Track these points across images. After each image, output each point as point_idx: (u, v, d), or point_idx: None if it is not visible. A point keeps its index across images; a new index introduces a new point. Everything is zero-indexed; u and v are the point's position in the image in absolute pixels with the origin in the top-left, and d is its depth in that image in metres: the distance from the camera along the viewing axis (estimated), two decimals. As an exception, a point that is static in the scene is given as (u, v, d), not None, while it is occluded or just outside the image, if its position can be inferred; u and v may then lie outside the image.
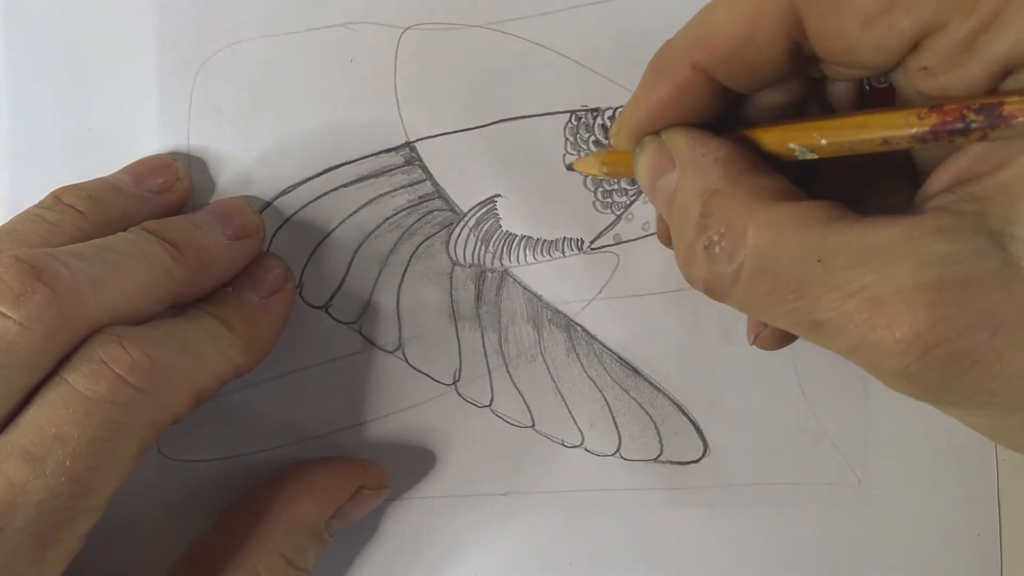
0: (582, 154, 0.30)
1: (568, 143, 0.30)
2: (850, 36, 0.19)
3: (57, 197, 0.26)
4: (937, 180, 0.20)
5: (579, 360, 0.30)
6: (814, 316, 0.19)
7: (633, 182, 0.30)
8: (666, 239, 0.27)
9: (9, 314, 0.21)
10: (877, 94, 0.24)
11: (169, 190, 0.28)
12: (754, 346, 0.26)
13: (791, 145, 0.21)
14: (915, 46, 0.19)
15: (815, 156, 0.21)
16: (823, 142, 0.20)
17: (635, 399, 0.30)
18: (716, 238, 0.20)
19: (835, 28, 0.19)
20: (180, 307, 0.27)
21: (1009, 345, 0.17)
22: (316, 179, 0.30)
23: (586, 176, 0.30)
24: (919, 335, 0.18)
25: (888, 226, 0.18)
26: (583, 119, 0.30)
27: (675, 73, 0.21)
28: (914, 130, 0.19)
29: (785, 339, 0.26)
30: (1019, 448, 0.20)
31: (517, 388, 0.30)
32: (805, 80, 0.22)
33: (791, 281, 0.19)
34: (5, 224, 0.26)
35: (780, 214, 0.19)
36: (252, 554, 0.26)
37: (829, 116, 0.21)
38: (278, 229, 0.30)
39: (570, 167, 0.30)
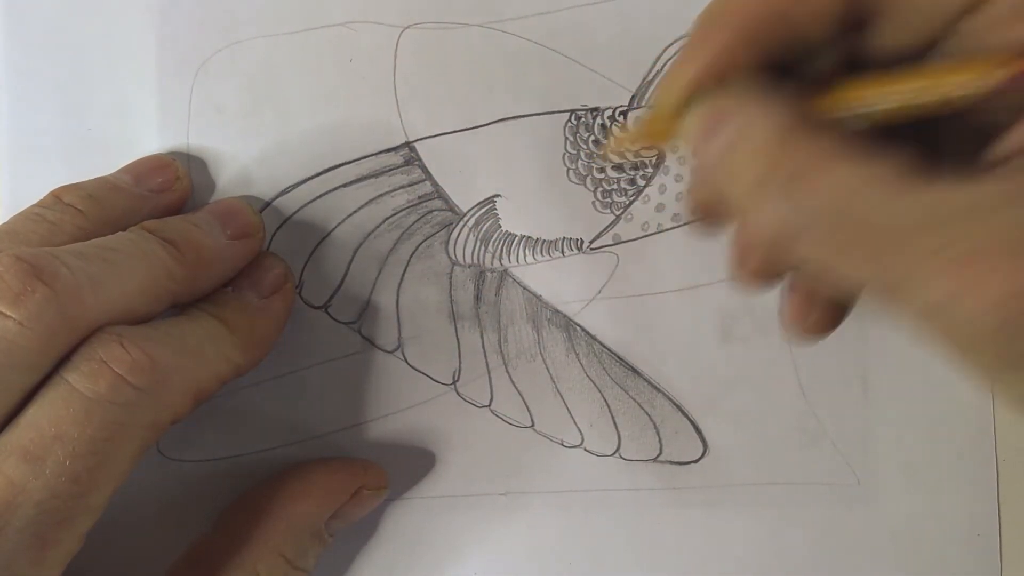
0: (582, 154, 0.30)
1: (568, 142, 0.30)
2: None
3: (57, 196, 0.26)
4: (1007, 144, 0.19)
5: (578, 360, 0.30)
6: (890, 276, 0.18)
7: (632, 182, 0.30)
8: (703, 207, 0.25)
9: (9, 313, 0.21)
10: None
11: (169, 189, 0.28)
12: (802, 334, 0.25)
13: (859, 105, 0.20)
14: (972, 7, 0.18)
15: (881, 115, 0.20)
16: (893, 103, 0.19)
17: (635, 399, 0.30)
18: (792, 181, 0.19)
19: None
20: (180, 307, 0.27)
21: None
22: (316, 179, 0.30)
23: (586, 176, 0.30)
24: (1013, 294, 0.17)
25: (965, 188, 0.18)
26: (583, 119, 0.30)
27: (725, 28, 0.21)
28: (992, 82, 0.18)
29: (835, 321, 0.24)
30: None
31: (516, 388, 0.30)
32: (844, 59, 0.22)
33: (870, 235, 0.18)
34: (5, 223, 0.26)
35: (857, 168, 0.18)
36: (252, 554, 0.26)
37: (891, 74, 0.20)
38: (278, 229, 0.30)
39: (603, 154, 0.29)
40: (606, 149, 0.29)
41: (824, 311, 0.24)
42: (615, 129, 0.27)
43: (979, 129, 0.22)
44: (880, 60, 0.22)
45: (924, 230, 0.18)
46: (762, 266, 0.25)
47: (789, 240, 0.20)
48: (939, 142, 0.23)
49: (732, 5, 0.21)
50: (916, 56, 0.21)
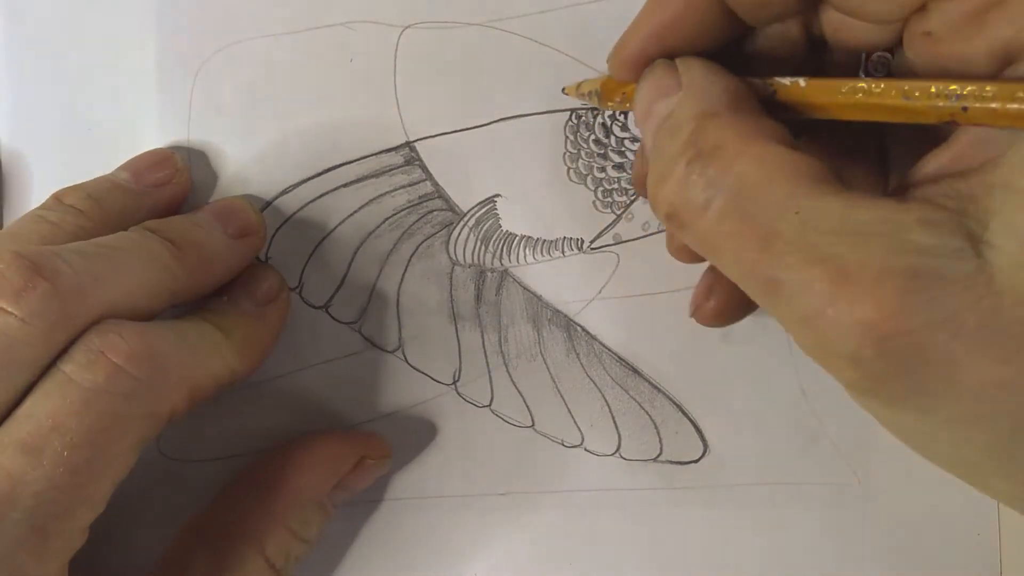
0: (583, 154, 0.30)
1: (568, 142, 0.30)
2: None
3: (58, 198, 0.27)
4: (923, 169, 0.19)
5: (579, 360, 0.30)
6: (773, 272, 0.18)
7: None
8: (640, 180, 0.25)
9: (10, 309, 0.21)
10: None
11: (169, 183, 0.28)
12: (694, 319, 0.25)
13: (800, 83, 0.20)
14: (923, 6, 0.18)
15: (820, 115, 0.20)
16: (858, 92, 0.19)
17: (635, 399, 0.30)
18: (702, 158, 0.19)
19: None
20: (178, 312, 0.27)
21: (965, 352, 0.17)
22: (316, 179, 0.30)
23: (586, 175, 0.30)
24: (881, 320, 0.17)
25: (873, 204, 0.18)
26: (583, 118, 0.30)
27: None
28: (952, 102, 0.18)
29: (729, 314, 0.25)
30: (940, 462, 0.19)
31: (517, 388, 0.30)
32: (805, 39, 0.22)
33: (761, 227, 0.18)
34: (8, 226, 0.26)
35: (774, 154, 0.19)
36: (256, 526, 0.26)
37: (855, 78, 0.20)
38: (278, 229, 0.30)
39: (564, 90, 0.29)
40: (567, 90, 0.29)
41: (722, 301, 0.24)
42: (572, 85, 0.27)
43: (896, 157, 0.22)
44: (838, 66, 0.22)
45: (818, 233, 0.18)
46: (734, 307, 0.25)
47: (679, 224, 0.20)
48: (852, 162, 0.23)
49: None
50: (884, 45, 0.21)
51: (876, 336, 0.17)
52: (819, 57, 0.22)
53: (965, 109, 0.18)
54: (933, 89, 0.18)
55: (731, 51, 0.23)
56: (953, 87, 0.18)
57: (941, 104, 0.18)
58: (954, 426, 0.18)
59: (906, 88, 0.19)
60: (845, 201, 0.18)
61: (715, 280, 0.26)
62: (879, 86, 0.19)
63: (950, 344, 0.17)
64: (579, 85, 0.26)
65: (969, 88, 0.18)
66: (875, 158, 0.23)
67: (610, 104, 0.24)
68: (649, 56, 0.22)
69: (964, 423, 0.17)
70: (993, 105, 0.17)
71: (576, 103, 0.30)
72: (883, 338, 0.17)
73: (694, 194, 0.19)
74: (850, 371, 0.18)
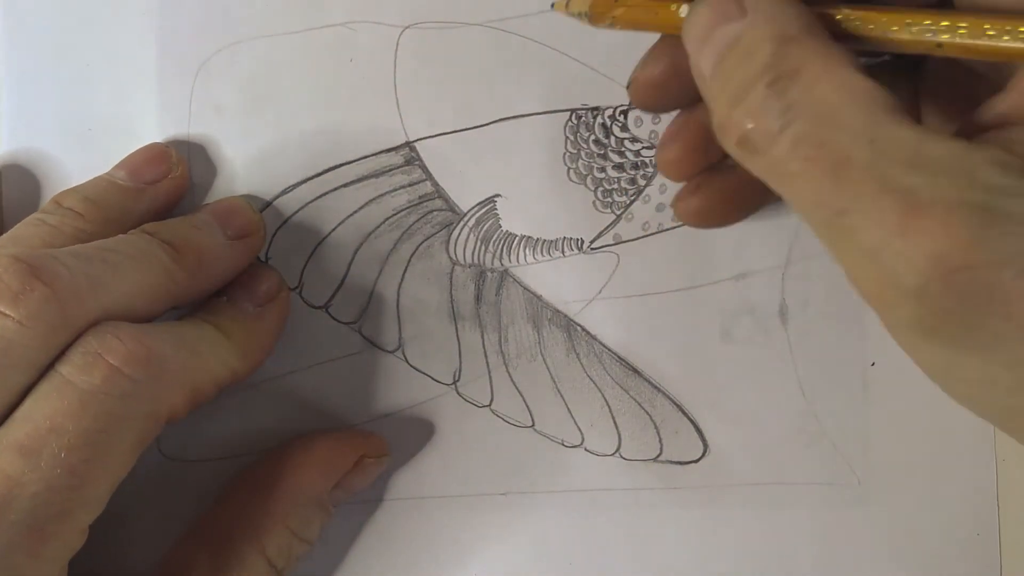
0: (583, 154, 0.30)
1: (568, 142, 0.30)
2: None
3: (57, 202, 0.27)
4: (985, 114, 0.19)
5: (579, 360, 0.30)
6: (843, 202, 0.18)
7: (633, 181, 0.30)
8: (666, 161, 0.24)
9: (7, 312, 0.21)
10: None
11: (167, 178, 0.28)
12: (676, 212, 0.25)
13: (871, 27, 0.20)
14: None
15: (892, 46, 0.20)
16: (941, 34, 0.19)
17: (635, 399, 0.30)
18: (783, 80, 0.19)
19: None
20: (178, 313, 0.27)
21: None
22: (316, 179, 0.30)
23: (586, 176, 0.30)
24: (950, 252, 0.17)
25: (947, 140, 0.18)
26: (583, 118, 0.30)
27: None
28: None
29: (722, 213, 0.25)
30: (989, 411, 0.19)
31: (517, 388, 0.30)
32: None
33: (835, 153, 0.18)
34: (8, 232, 0.26)
35: (854, 80, 0.18)
36: (257, 527, 0.26)
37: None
38: (278, 229, 0.30)
39: (553, 6, 0.26)
40: (557, 7, 0.26)
41: (706, 197, 0.24)
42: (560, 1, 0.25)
43: (970, 83, 0.22)
44: None
45: (892, 164, 0.17)
46: (697, 157, 0.25)
47: (751, 149, 0.19)
48: (930, 88, 0.23)
49: None
50: None
51: (945, 269, 0.17)
52: None
53: (940, 46, 0.18)
54: (909, 22, 0.19)
55: None
56: (927, 21, 0.18)
57: (919, 39, 0.19)
58: (1015, 369, 0.17)
59: (883, 20, 0.19)
60: (920, 134, 0.18)
61: (702, 179, 0.25)
62: (857, 19, 0.19)
63: (1016, 281, 0.17)
64: (568, 2, 0.24)
65: (944, 23, 0.18)
66: (905, 95, 0.23)
67: (599, 25, 0.23)
68: None
69: None
70: (965, 42, 0.18)
71: (576, 103, 0.30)
72: (951, 271, 0.17)
73: (771, 118, 0.19)
74: (915, 306, 0.18)
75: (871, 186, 0.18)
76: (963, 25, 0.18)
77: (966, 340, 0.18)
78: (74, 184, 0.28)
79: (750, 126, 0.19)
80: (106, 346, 0.22)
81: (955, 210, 0.17)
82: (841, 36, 0.20)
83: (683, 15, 0.22)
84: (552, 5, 0.26)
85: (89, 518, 0.22)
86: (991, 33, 0.18)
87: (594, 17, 0.23)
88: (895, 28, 0.19)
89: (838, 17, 0.20)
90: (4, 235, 0.26)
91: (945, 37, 0.18)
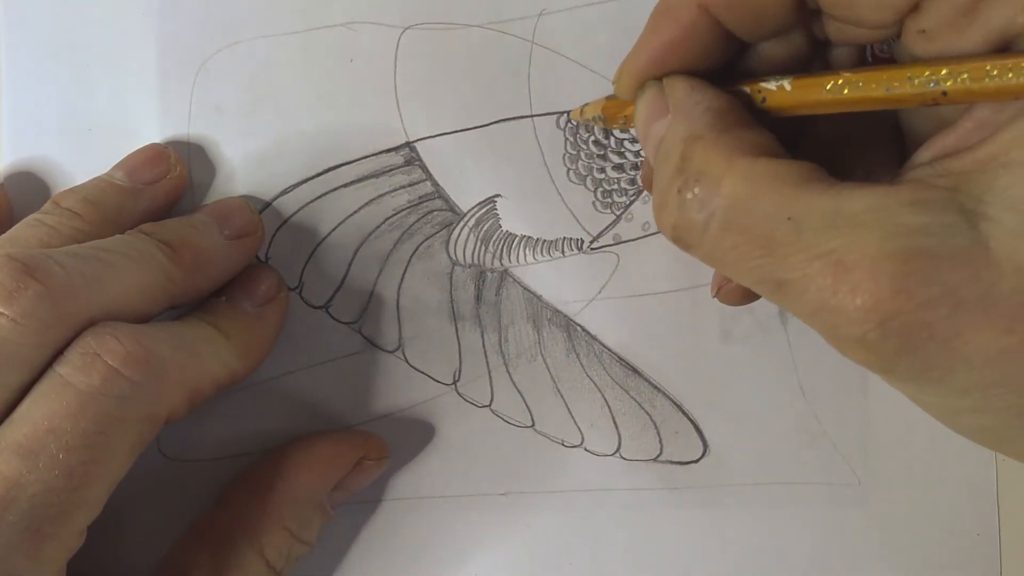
0: (583, 154, 0.30)
1: (568, 143, 0.30)
2: None
3: (55, 202, 0.27)
4: (922, 154, 0.20)
5: (579, 360, 0.30)
6: (778, 275, 0.19)
7: (633, 181, 0.30)
8: (647, 184, 0.26)
9: (2, 311, 0.21)
10: (878, 63, 0.24)
11: (165, 178, 0.28)
12: (717, 299, 0.26)
13: (785, 86, 0.21)
14: (916, 7, 0.19)
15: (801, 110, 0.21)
16: (833, 87, 0.20)
17: (635, 399, 0.30)
18: (691, 183, 0.20)
19: None
20: (177, 313, 0.27)
21: (969, 324, 0.17)
22: (316, 179, 0.30)
23: (586, 176, 0.30)
24: (880, 303, 0.17)
25: (862, 193, 0.18)
26: (583, 119, 0.30)
27: (681, 15, 0.21)
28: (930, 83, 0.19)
29: (749, 295, 0.26)
30: (966, 433, 0.20)
31: (517, 388, 0.30)
32: (809, 40, 0.22)
33: (759, 236, 0.19)
34: (6, 232, 0.26)
35: (757, 168, 0.19)
36: (257, 528, 0.26)
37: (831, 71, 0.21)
38: (278, 229, 0.30)
39: (568, 117, 0.29)
40: (572, 115, 0.29)
41: (738, 286, 0.25)
42: (576, 109, 0.28)
43: (911, 144, 0.22)
44: (841, 58, 0.22)
45: (813, 232, 0.18)
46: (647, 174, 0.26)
47: (685, 245, 0.21)
48: (864, 152, 0.23)
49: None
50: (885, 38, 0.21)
51: (877, 319, 0.18)
52: (824, 53, 0.23)
53: (945, 94, 0.19)
54: (911, 76, 0.19)
55: (734, 59, 0.23)
56: (928, 73, 0.19)
57: (923, 91, 0.19)
58: (970, 395, 0.18)
59: (885, 77, 0.19)
60: (835, 195, 0.18)
61: None
62: (861, 81, 0.20)
63: (952, 318, 0.17)
64: (582, 109, 0.27)
65: (944, 71, 0.18)
66: (893, 137, 0.23)
67: (614, 126, 0.25)
68: (650, 77, 0.22)
69: (979, 391, 0.18)
70: (970, 86, 0.18)
71: (576, 104, 0.29)
72: (884, 320, 0.18)
73: (692, 216, 0.20)
74: (863, 354, 0.19)
75: (799, 257, 0.18)
76: (964, 71, 0.18)
77: (919, 377, 0.18)
78: (74, 184, 0.28)
79: (676, 225, 0.20)
80: (104, 347, 0.22)
81: (878, 263, 0.18)
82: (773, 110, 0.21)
83: None
84: (567, 114, 0.29)
85: (87, 519, 0.22)
86: (994, 73, 0.18)
87: (607, 119, 0.25)
88: (896, 84, 0.19)
89: (761, 95, 0.21)
90: (2, 235, 0.26)
91: (948, 84, 0.18)
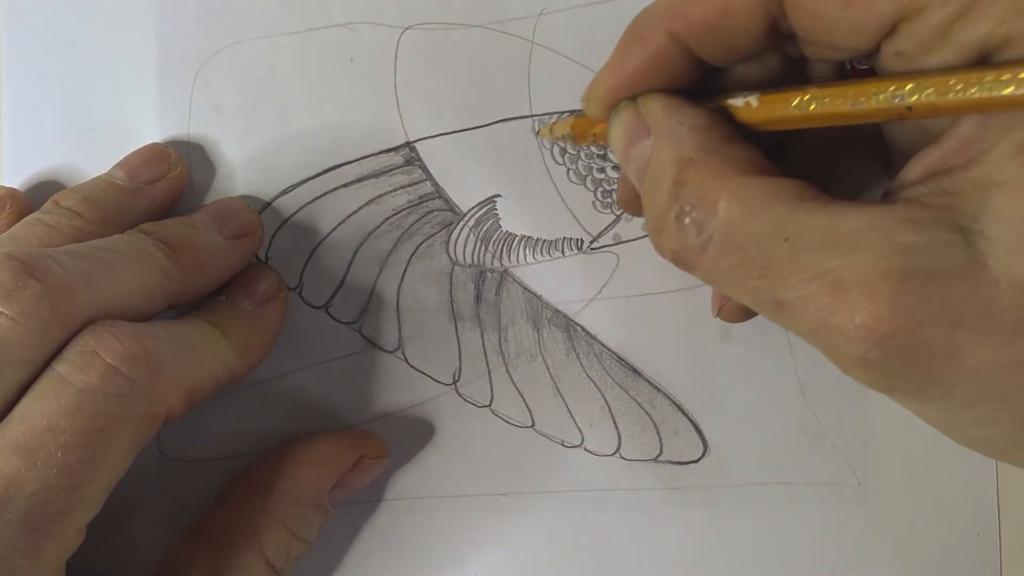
0: (583, 154, 0.30)
1: (568, 143, 0.30)
2: (829, 16, 0.19)
3: (55, 202, 0.27)
4: (911, 171, 0.20)
5: (579, 360, 0.30)
6: (777, 295, 0.19)
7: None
8: (625, 202, 0.26)
9: (1, 309, 0.21)
10: (858, 76, 0.24)
11: (165, 178, 0.28)
12: (719, 318, 0.26)
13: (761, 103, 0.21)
14: (893, 29, 0.19)
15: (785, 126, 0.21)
16: (812, 106, 0.20)
17: (635, 399, 0.30)
18: (688, 208, 0.20)
19: (814, 6, 0.19)
20: (176, 312, 0.27)
21: (968, 340, 0.17)
22: (316, 179, 0.30)
23: (586, 176, 0.30)
24: (879, 322, 0.17)
25: (857, 212, 0.18)
26: (583, 119, 0.30)
27: (650, 41, 0.21)
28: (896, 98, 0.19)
29: (750, 312, 0.26)
30: (971, 445, 0.20)
31: (517, 388, 0.30)
32: (783, 57, 0.22)
33: (757, 257, 0.19)
34: (6, 232, 0.26)
35: (752, 188, 0.19)
36: (256, 526, 0.26)
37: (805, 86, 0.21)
38: (278, 229, 0.30)
39: (537, 133, 0.29)
40: (540, 132, 0.29)
41: (739, 304, 0.25)
42: (545, 126, 0.28)
43: (895, 158, 0.22)
44: (818, 73, 0.23)
45: (809, 252, 0.18)
46: (625, 196, 0.25)
47: (685, 266, 0.21)
48: (848, 166, 0.23)
49: (657, 18, 0.21)
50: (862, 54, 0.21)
51: (877, 338, 0.18)
52: (802, 66, 0.23)
53: (910, 108, 0.19)
54: (876, 92, 0.19)
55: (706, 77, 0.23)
56: (892, 88, 0.19)
57: (888, 106, 0.19)
58: (973, 410, 0.18)
59: (851, 93, 0.19)
60: (830, 214, 0.19)
61: None
62: (828, 97, 0.20)
63: (951, 335, 0.17)
64: (551, 128, 0.27)
65: (909, 86, 0.18)
66: (877, 148, 0.23)
67: (584, 143, 0.25)
68: (623, 97, 0.22)
69: (981, 405, 0.18)
70: (935, 100, 0.18)
71: (575, 104, 0.30)
72: (884, 339, 0.18)
73: (690, 239, 0.20)
74: (864, 373, 0.19)
75: (797, 277, 0.19)
76: (929, 86, 0.18)
77: (921, 394, 0.18)
78: (74, 184, 0.28)
79: (676, 249, 0.21)
80: (103, 345, 0.22)
81: (875, 282, 0.18)
82: (761, 122, 0.21)
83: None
84: (536, 133, 0.29)
85: (86, 517, 0.22)
86: (958, 88, 0.18)
87: (577, 137, 0.25)
88: (862, 99, 0.19)
89: (728, 111, 0.21)
90: (2, 234, 0.26)
91: (913, 99, 0.18)
